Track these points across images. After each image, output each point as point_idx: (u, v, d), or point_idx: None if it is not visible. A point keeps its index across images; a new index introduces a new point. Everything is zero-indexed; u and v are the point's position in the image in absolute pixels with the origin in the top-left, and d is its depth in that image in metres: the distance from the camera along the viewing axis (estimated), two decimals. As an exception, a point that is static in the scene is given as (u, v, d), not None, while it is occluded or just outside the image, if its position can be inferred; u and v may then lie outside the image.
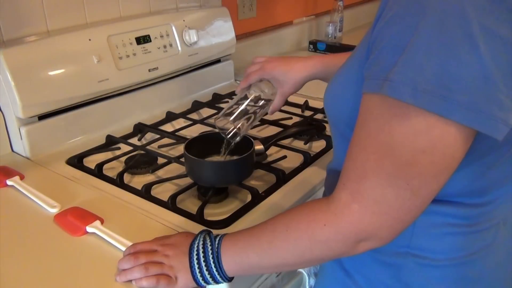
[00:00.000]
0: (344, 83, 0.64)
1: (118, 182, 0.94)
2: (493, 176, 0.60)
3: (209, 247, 0.65)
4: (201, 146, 0.94)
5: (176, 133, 1.17)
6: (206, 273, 0.65)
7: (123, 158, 1.04)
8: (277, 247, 0.61)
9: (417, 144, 0.49)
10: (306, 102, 1.36)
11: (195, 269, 0.65)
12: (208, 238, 0.67)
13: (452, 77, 0.46)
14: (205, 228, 0.79)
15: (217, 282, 0.66)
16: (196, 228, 0.79)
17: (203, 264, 0.65)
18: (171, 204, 0.86)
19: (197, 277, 0.65)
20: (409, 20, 0.48)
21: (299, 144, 1.14)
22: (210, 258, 0.65)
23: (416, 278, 0.63)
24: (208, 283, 0.66)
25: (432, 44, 0.46)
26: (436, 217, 0.61)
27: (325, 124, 1.21)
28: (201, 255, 0.65)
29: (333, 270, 0.73)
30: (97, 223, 0.79)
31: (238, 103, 0.89)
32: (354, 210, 0.54)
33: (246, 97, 0.90)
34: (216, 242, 0.66)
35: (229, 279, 0.66)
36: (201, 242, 0.67)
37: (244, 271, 0.66)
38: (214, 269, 0.64)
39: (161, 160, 1.02)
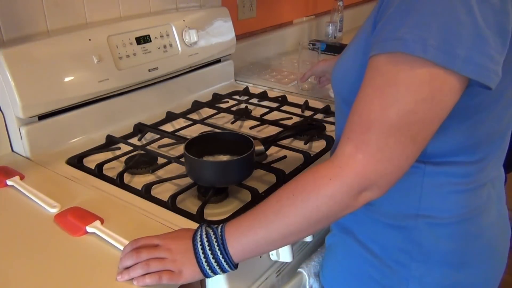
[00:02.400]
0: (351, 55, 0.69)
1: (118, 182, 0.94)
2: (483, 132, 0.66)
3: (212, 235, 0.66)
4: (201, 146, 0.94)
5: (176, 133, 1.17)
6: (212, 261, 0.65)
7: (123, 158, 1.04)
8: (284, 214, 0.62)
9: (420, 93, 0.55)
10: (306, 102, 1.36)
11: (201, 259, 0.65)
12: (210, 228, 0.68)
13: (453, 35, 0.53)
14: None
15: (224, 270, 0.66)
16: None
17: (208, 252, 0.65)
18: (171, 204, 0.86)
19: (204, 267, 0.65)
20: None
21: (299, 144, 1.14)
22: (215, 245, 0.65)
23: (427, 237, 0.69)
24: (215, 272, 0.66)
25: (435, 7, 0.54)
26: (440, 178, 0.67)
27: (325, 124, 1.21)
28: (206, 243, 0.66)
29: (345, 244, 0.76)
30: (97, 223, 0.79)
31: None
32: (359, 160, 0.58)
33: None
34: (219, 230, 0.67)
35: (235, 266, 0.66)
36: (203, 232, 0.67)
37: (251, 251, 0.66)
38: (220, 256, 0.65)
39: (161, 160, 1.02)
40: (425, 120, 0.56)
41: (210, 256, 0.65)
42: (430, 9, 0.54)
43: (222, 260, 0.65)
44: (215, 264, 0.65)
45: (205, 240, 0.66)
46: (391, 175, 0.59)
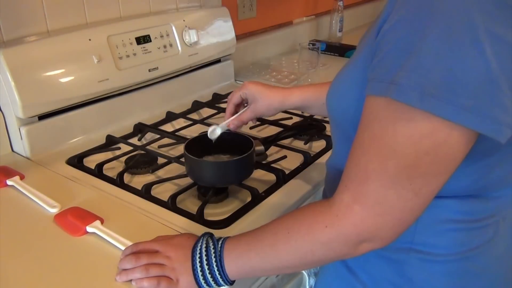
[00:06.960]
0: (348, 83, 0.64)
1: (118, 182, 0.94)
2: (496, 175, 0.60)
3: (212, 251, 0.65)
4: (201, 146, 0.93)
5: (176, 133, 1.17)
6: (208, 276, 0.65)
7: (123, 158, 1.04)
8: (278, 249, 0.61)
9: (421, 146, 0.50)
10: (306, 102, 1.36)
11: (197, 272, 0.65)
12: (210, 241, 0.67)
13: (458, 82, 0.46)
14: (205, 228, 0.79)
15: (219, 285, 0.66)
16: (196, 228, 0.79)
17: (205, 267, 0.65)
18: (171, 204, 0.86)
19: (200, 280, 0.65)
20: (416, 24, 0.49)
21: (299, 144, 1.14)
22: (213, 261, 0.65)
23: (419, 273, 0.64)
24: (210, 286, 0.66)
25: (439, 48, 0.47)
26: (439, 213, 0.61)
27: (325, 124, 1.21)
28: (204, 258, 0.65)
29: (335, 268, 0.73)
30: (97, 223, 0.79)
31: None
32: (356, 212, 0.54)
33: None
34: (219, 245, 0.66)
35: (231, 282, 0.66)
36: (204, 245, 0.66)
37: (246, 274, 0.66)
38: (217, 272, 0.64)
39: (161, 160, 1.02)
40: (429, 174, 0.51)
41: (207, 272, 0.65)
42: (432, 50, 0.47)
43: (218, 277, 0.65)
44: (211, 280, 0.65)
45: (204, 254, 0.66)
46: (393, 228, 0.55)
